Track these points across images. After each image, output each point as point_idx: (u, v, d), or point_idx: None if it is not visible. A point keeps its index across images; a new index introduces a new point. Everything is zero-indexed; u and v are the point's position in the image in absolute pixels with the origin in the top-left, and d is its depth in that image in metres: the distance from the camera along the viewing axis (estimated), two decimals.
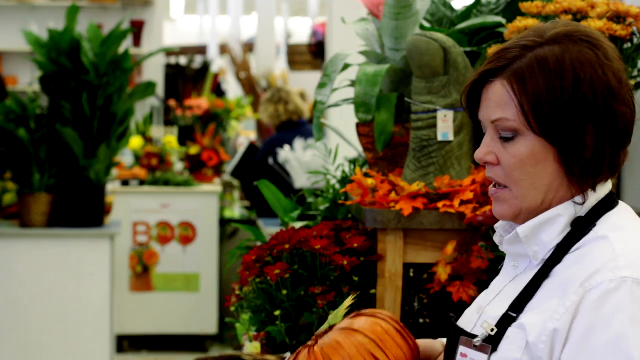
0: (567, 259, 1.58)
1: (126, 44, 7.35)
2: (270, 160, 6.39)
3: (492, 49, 1.67)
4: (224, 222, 7.25)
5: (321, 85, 2.69)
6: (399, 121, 2.62)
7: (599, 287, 1.51)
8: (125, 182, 7.02)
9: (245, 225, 3.03)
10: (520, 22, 2.47)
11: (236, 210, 7.77)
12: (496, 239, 1.73)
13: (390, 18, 2.59)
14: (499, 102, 1.59)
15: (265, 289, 2.42)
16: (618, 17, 2.46)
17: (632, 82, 2.48)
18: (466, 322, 1.71)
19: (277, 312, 2.36)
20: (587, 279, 1.52)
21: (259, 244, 2.70)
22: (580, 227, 1.60)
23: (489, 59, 1.64)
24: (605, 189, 1.64)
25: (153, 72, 8.48)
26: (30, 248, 5.28)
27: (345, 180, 2.83)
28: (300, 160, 5.87)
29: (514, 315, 1.58)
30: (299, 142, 6.13)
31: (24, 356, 5.28)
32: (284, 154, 6.00)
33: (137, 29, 8.27)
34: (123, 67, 5.18)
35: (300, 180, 5.83)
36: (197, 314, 7.00)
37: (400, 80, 2.66)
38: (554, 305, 1.54)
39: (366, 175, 2.58)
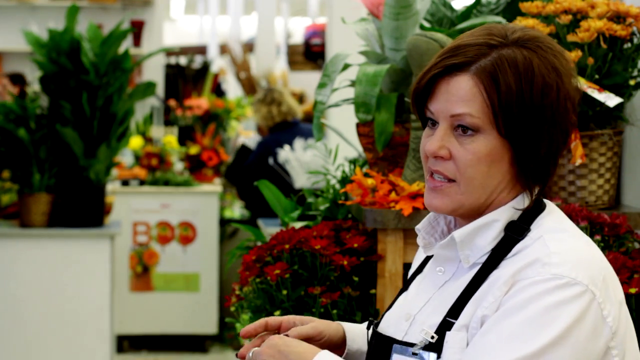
0: (505, 264, 1.58)
1: (126, 44, 7.35)
2: (271, 161, 6.39)
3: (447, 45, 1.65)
4: (224, 222, 7.25)
5: (321, 85, 2.69)
6: (399, 121, 2.62)
7: (528, 279, 1.52)
8: (125, 182, 7.02)
9: (245, 225, 3.03)
10: (520, 22, 2.47)
11: (236, 210, 7.78)
12: (419, 241, 1.71)
13: (390, 18, 2.59)
14: (464, 97, 1.57)
15: (265, 289, 2.42)
16: (618, 17, 2.46)
17: (632, 82, 2.48)
18: (394, 329, 1.68)
19: (277, 312, 2.36)
20: (518, 271, 1.53)
21: (259, 244, 2.70)
22: (515, 232, 1.60)
23: (446, 53, 1.60)
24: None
25: (153, 72, 8.48)
26: (30, 248, 5.28)
27: (345, 180, 2.83)
28: (300, 160, 5.87)
29: (453, 320, 1.57)
30: (299, 142, 6.13)
31: (24, 356, 5.28)
32: (284, 154, 6.00)
33: (137, 29, 8.27)
34: (123, 67, 5.18)
35: (300, 180, 5.83)
36: (197, 314, 7.00)
37: (400, 80, 2.66)
38: (486, 298, 1.55)
39: (366, 175, 2.58)
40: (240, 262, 2.62)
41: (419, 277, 1.75)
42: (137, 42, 8.37)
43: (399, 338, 1.65)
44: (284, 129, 6.64)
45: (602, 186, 2.51)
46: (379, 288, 2.43)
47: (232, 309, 2.58)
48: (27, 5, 8.44)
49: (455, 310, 1.58)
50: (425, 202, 1.65)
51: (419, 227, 1.71)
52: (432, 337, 1.58)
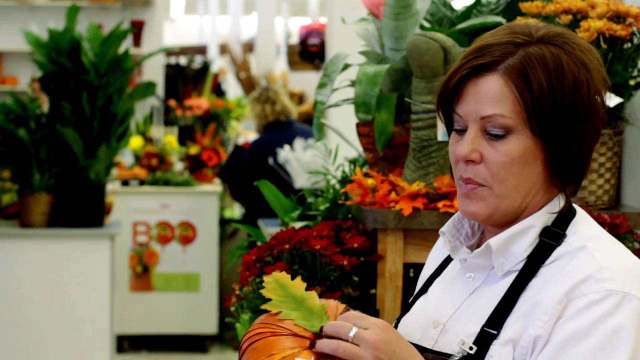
0: (544, 271, 1.54)
1: (126, 44, 7.35)
2: (270, 161, 6.39)
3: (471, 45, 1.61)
4: (224, 222, 7.25)
5: (321, 85, 2.69)
6: (399, 121, 2.62)
7: (584, 297, 1.48)
8: (125, 182, 7.02)
9: (245, 225, 3.03)
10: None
11: (236, 210, 7.78)
12: (446, 245, 1.66)
13: (390, 18, 2.59)
14: (494, 98, 1.52)
15: None
16: (618, 17, 2.46)
17: (632, 82, 2.48)
18: (419, 336, 1.63)
19: None
20: (571, 289, 1.49)
21: (258, 243, 2.70)
22: (551, 238, 1.56)
23: (471, 54, 1.56)
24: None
25: (153, 72, 8.48)
26: (30, 248, 5.28)
27: (345, 180, 2.83)
28: (300, 160, 5.86)
29: (494, 332, 1.53)
30: (298, 142, 6.13)
31: (24, 356, 5.28)
32: (284, 153, 5.99)
33: (137, 29, 8.27)
34: (123, 67, 5.18)
35: (300, 180, 5.82)
36: (197, 314, 7.00)
37: (400, 80, 2.66)
38: (536, 314, 1.50)
39: (366, 175, 2.58)
40: (240, 262, 2.62)
41: (439, 281, 1.70)
42: (137, 42, 8.37)
43: (428, 346, 1.60)
44: (277, 128, 6.61)
45: (602, 186, 2.51)
46: (379, 288, 2.43)
47: (232, 309, 2.57)
48: (27, 5, 8.44)
49: (495, 320, 1.53)
50: (460, 209, 1.59)
51: (444, 231, 1.66)
52: (471, 348, 1.53)
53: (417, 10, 2.61)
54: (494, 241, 1.57)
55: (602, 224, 2.32)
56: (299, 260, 2.44)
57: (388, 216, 2.40)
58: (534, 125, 1.52)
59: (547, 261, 1.55)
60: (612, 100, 2.39)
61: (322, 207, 2.83)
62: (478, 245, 1.65)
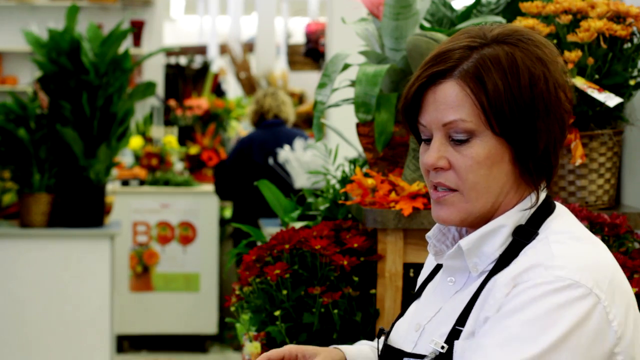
0: (503, 273, 1.55)
1: (126, 44, 7.35)
2: (271, 161, 6.38)
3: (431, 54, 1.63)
4: (224, 222, 7.25)
5: (321, 85, 2.68)
6: (399, 121, 2.62)
7: (530, 281, 1.49)
8: (125, 182, 7.02)
9: (245, 225, 3.03)
10: (520, 22, 2.47)
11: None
12: (430, 249, 1.68)
13: (390, 18, 2.59)
14: (452, 104, 1.54)
15: (265, 289, 2.42)
16: (618, 17, 2.46)
17: (632, 82, 2.48)
18: (403, 341, 1.66)
19: (277, 312, 2.36)
20: (519, 274, 1.51)
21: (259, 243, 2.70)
22: (523, 236, 1.57)
23: (428, 62, 1.58)
24: (543, 193, 1.61)
25: (153, 72, 8.48)
26: (30, 248, 5.28)
27: (345, 180, 2.83)
28: (300, 160, 5.86)
29: (460, 329, 1.55)
30: (299, 142, 6.13)
31: (24, 356, 5.28)
32: (284, 153, 5.99)
33: (137, 29, 8.27)
34: (123, 67, 5.18)
35: (300, 180, 5.82)
36: (197, 314, 7.00)
37: (400, 80, 2.66)
38: (487, 301, 1.53)
39: (366, 175, 2.58)
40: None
41: (430, 286, 1.72)
42: (137, 42, 8.37)
43: (409, 350, 1.62)
44: (265, 127, 6.58)
45: (602, 186, 2.51)
46: (379, 288, 2.43)
47: (232, 309, 2.57)
48: (27, 5, 8.44)
49: (463, 318, 1.55)
50: (433, 216, 1.61)
51: (430, 235, 1.68)
52: (442, 347, 1.54)
53: (417, 10, 2.61)
54: (464, 242, 1.59)
55: (602, 224, 2.32)
56: (299, 260, 2.44)
57: (388, 216, 2.40)
58: (494, 125, 1.53)
59: (516, 259, 1.55)
60: (612, 100, 2.39)
61: (322, 207, 2.83)
62: None
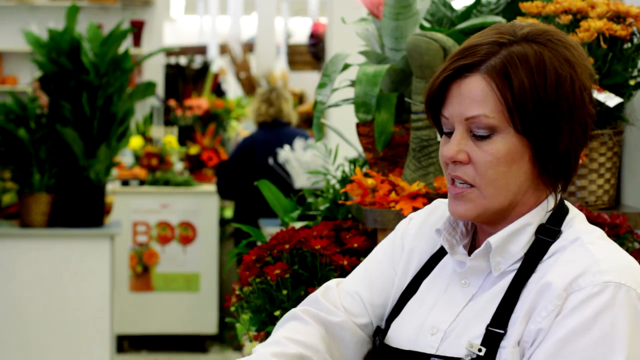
0: (541, 268, 1.55)
1: (126, 44, 7.35)
2: (271, 161, 6.39)
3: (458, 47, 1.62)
4: (224, 222, 7.25)
5: (321, 85, 2.68)
6: (399, 121, 2.62)
7: (582, 290, 1.49)
8: (125, 182, 7.02)
9: (245, 225, 3.03)
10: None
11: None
12: (444, 243, 1.65)
13: (390, 18, 2.59)
14: (477, 98, 1.54)
15: (265, 289, 2.42)
16: (618, 17, 2.46)
17: (632, 82, 2.48)
18: (413, 344, 1.63)
19: (277, 312, 2.36)
20: (569, 283, 1.51)
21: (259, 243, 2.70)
22: (547, 235, 1.57)
23: (456, 55, 1.58)
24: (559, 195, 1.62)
25: (153, 72, 8.48)
26: (30, 248, 5.28)
27: (345, 180, 2.83)
28: (300, 160, 5.86)
29: (501, 331, 1.53)
30: (298, 142, 6.13)
31: (24, 356, 5.28)
32: (284, 153, 5.99)
33: (137, 29, 8.27)
34: (123, 67, 5.18)
35: (300, 180, 5.82)
36: (197, 314, 7.00)
37: (400, 80, 2.66)
38: (536, 310, 1.52)
39: (366, 175, 2.58)
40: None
41: (429, 282, 1.69)
42: (137, 42, 8.37)
43: (432, 352, 1.59)
44: (269, 127, 6.59)
45: (602, 186, 2.51)
46: None
47: (232, 309, 2.57)
48: (27, 5, 8.44)
49: (500, 319, 1.54)
50: (449, 210, 1.61)
51: (441, 229, 1.66)
52: (480, 350, 1.53)
53: (417, 10, 2.61)
54: (493, 239, 1.58)
55: (602, 224, 2.32)
56: (299, 260, 2.44)
57: (388, 216, 2.40)
58: (517, 123, 1.53)
59: (544, 257, 1.56)
60: (612, 100, 2.39)
61: (322, 207, 2.83)
62: (472, 246, 1.66)
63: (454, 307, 1.62)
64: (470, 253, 1.64)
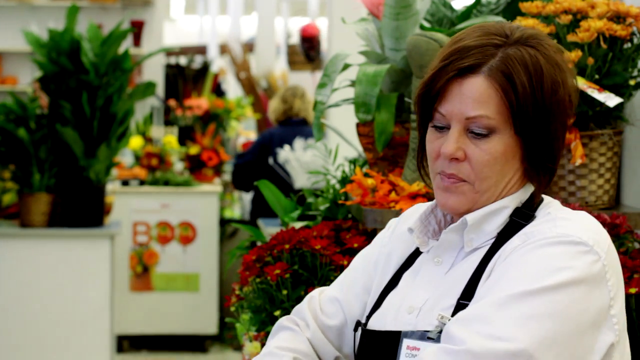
0: (509, 242, 1.61)
1: (126, 44, 7.35)
2: (271, 160, 6.39)
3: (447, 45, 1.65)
4: (224, 222, 7.25)
5: (321, 85, 2.69)
6: (399, 121, 2.62)
7: (537, 235, 1.56)
8: (125, 182, 7.02)
9: (245, 225, 3.03)
10: (520, 22, 2.47)
11: (236, 210, 7.77)
12: (416, 240, 1.70)
13: (390, 18, 2.59)
14: (479, 99, 1.57)
15: (265, 289, 2.42)
16: (618, 17, 2.46)
17: (632, 82, 2.48)
18: (394, 324, 1.66)
19: (277, 312, 2.36)
20: (526, 234, 1.58)
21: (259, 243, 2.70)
22: (521, 217, 1.63)
23: (452, 55, 1.60)
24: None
25: (153, 72, 8.48)
26: (30, 248, 5.28)
27: (345, 180, 2.83)
28: (300, 160, 5.86)
29: (466, 302, 1.57)
30: (298, 142, 6.13)
31: (24, 356, 5.28)
32: (284, 153, 6.00)
33: (137, 29, 8.27)
34: (123, 67, 5.18)
35: (300, 180, 5.82)
36: (197, 314, 7.00)
37: (400, 80, 2.66)
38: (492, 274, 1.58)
39: (366, 175, 2.58)
40: (240, 262, 2.62)
41: (408, 274, 1.73)
42: (137, 42, 8.37)
43: (409, 329, 1.63)
44: (287, 125, 6.65)
45: (602, 186, 2.51)
46: None
47: (232, 309, 2.57)
48: (27, 5, 8.44)
49: (468, 292, 1.59)
50: (439, 203, 1.65)
51: (413, 227, 1.71)
52: (449, 320, 1.56)
53: (417, 10, 2.61)
54: (470, 217, 1.63)
55: (602, 224, 2.31)
56: (299, 260, 2.44)
57: (388, 216, 2.40)
58: (517, 124, 1.58)
59: (514, 237, 1.61)
60: (612, 100, 2.39)
61: (322, 207, 2.83)
62: None
63: (428, 285, 1.66)
64: None
